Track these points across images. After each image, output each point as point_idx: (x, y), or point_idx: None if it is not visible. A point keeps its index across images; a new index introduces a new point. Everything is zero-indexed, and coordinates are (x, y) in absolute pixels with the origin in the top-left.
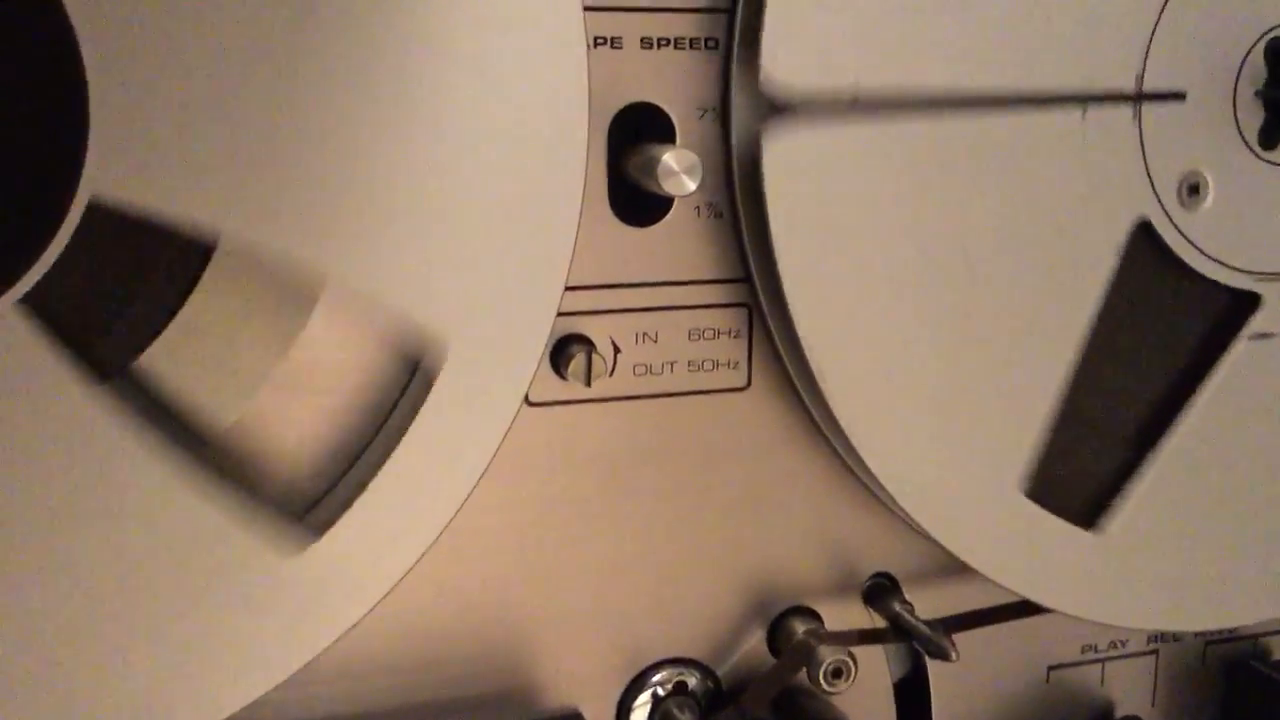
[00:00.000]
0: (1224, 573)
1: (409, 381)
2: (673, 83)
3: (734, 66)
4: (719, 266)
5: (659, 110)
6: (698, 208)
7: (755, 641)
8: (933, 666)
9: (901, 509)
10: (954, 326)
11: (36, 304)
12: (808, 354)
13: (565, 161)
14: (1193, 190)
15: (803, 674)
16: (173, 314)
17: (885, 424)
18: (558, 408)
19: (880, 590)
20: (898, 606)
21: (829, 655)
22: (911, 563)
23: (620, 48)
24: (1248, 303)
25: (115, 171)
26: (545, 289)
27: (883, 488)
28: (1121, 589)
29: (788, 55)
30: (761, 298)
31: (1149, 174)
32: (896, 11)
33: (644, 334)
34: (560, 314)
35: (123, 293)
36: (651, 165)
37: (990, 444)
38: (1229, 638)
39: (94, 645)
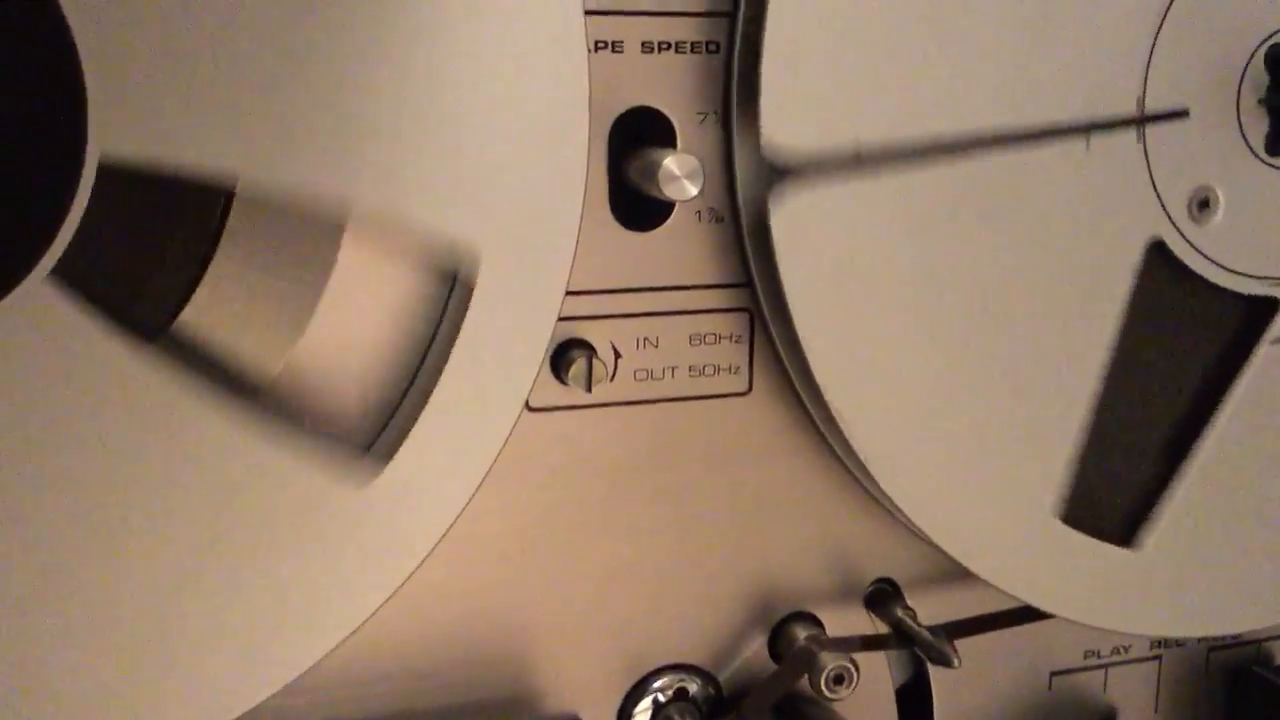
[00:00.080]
0: (1237, 578)
1: (449, 297)
2: (674, 87)
3: (734, 123)
4: (720, 271)
5: (660, 114)
6: (699, 212)
7: (757, 647)
8: (935, 672)
9: (922, 531)
10: (974, 361)
11: (68, 275)
12: (831, 407)
13: (566, 166)
14: (1203, 205)
15: (804, 680)
16: (204, 268)
17: (910, 464)
18: (558, 413)
19: (882, 596)
20: (900, 612)
21: (831, 661)
22: (914, 568)
23: (621, 52)
24: (1266, 308)
25: (119, 127)
26: (546, 293)
27: (899, 509)
28: (1162, 601)
29: (787, 119)
30: (763, 303)
31: (1158, 194)
32: (891, 65)
33: (645, 339)
34: (561, 319)
35: (151, 253)
36: (653, 170)
37: (1021, 473)
38: (1232, 643)
39: (183, 604)
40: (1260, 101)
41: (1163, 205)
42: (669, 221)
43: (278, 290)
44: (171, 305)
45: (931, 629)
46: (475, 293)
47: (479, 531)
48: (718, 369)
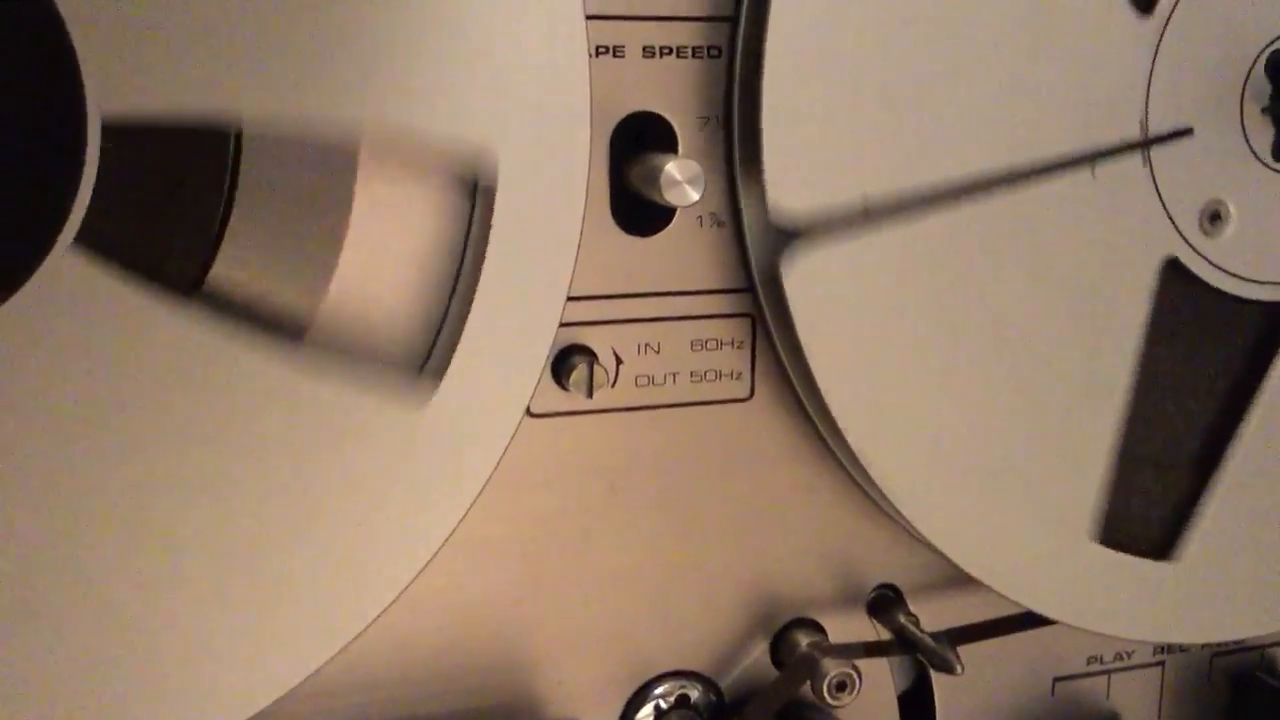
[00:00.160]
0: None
1: (472, 208)
2: (675, 91)
3: (739, 180)
4: (722, 276)
5: (661, 119)
6: (700, 217)
7: (759, 654)
8: (937, 679)
9: (959, 568)
10: (998, 394)
11: (92, 242)
12: (852, 445)
13: (567, 171)
14: (1214, 218)
15: (807, 687)
16: (227, 216)
17: (940, 502)
18: (559, 419)
19: (885, 602)
20: (902, 618)
21: (833, 668)
22: (916, 574)
23: (622, 56)
24: None
25: (115, 84)
26: (547, 299)
27: (914, 528)
28: (1200, 610)
29: (792, 182)
30: (766, 312)
31: (1168, 212)
32: (891, 115)
33: (646, 344)
34: (562, 324)
35: (171, 210)
36: (654, 175)
37: (1055, 501)
38: (1236, 649)
39: (262, 549)
40: (1264, 110)
41: (1174, 223)
42: (670, 226)
43: (303, 228)
44: (201, 259)
45: (934, 635)
46: (477, 298)
47: (480, 537)
48: (719, 374)
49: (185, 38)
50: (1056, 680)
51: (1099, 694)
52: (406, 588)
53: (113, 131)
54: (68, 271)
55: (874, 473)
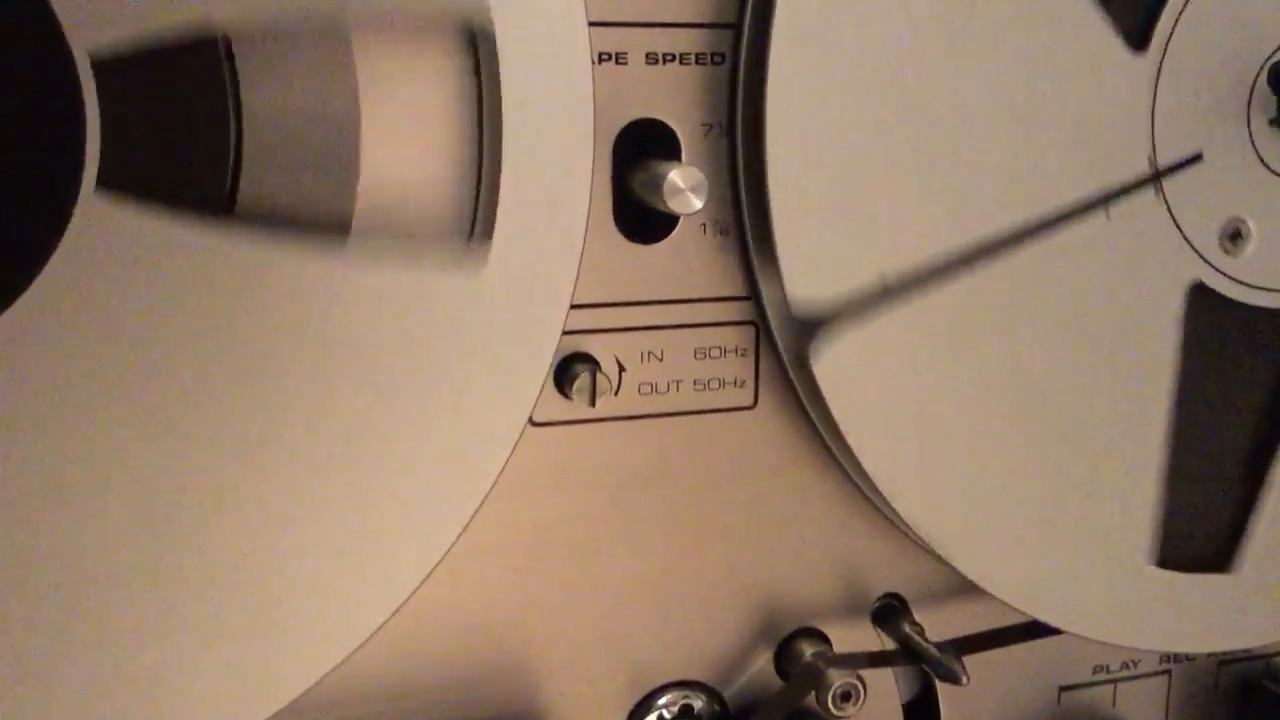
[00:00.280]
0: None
1: (476, 60)
2: (678, 98)
3: (755, 267)
4: (725, 284)
5: (664, 126)
6: (703, 224)
7: (762, 664)
8: (943, 688)
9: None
10: (1040, 443)
11: (115, 183)
12: (902, 513)
13: (570, 178)
14: (1235, 237)
15: (811, 697)
16: (239, 130)
17: (996, 554)
18: (562, 427)
19: (889, 611)
20: (907, 628)
21: (837, 678)
22: (921, 583)
23: (625, 63)
24: None
25: (92, 20)
26: (550, 307)
27: (926, 543)
28: (1261, 616)
29: (809, 275)
30: (769, 317)
31: (1188, 240)
32: (898, 190)
33: (649, 352)
34: (565, 333)
35: (183, 136)
36: (657, 183)
37: (1111, 532)
38: (1242, 657)
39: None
40: (1271, 122)
41: (1195, 249)
42: (674, 234)
43: (317, 122)
44: (227, 179)
45: (939, 645)
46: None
47: (482, 546)
48: (723, 383)
49: None
50: (1063, 689)
51: (1105, 703)
52: (409, 597)
53: (104, 69)
54: (99, 217)
55: (926, 535)
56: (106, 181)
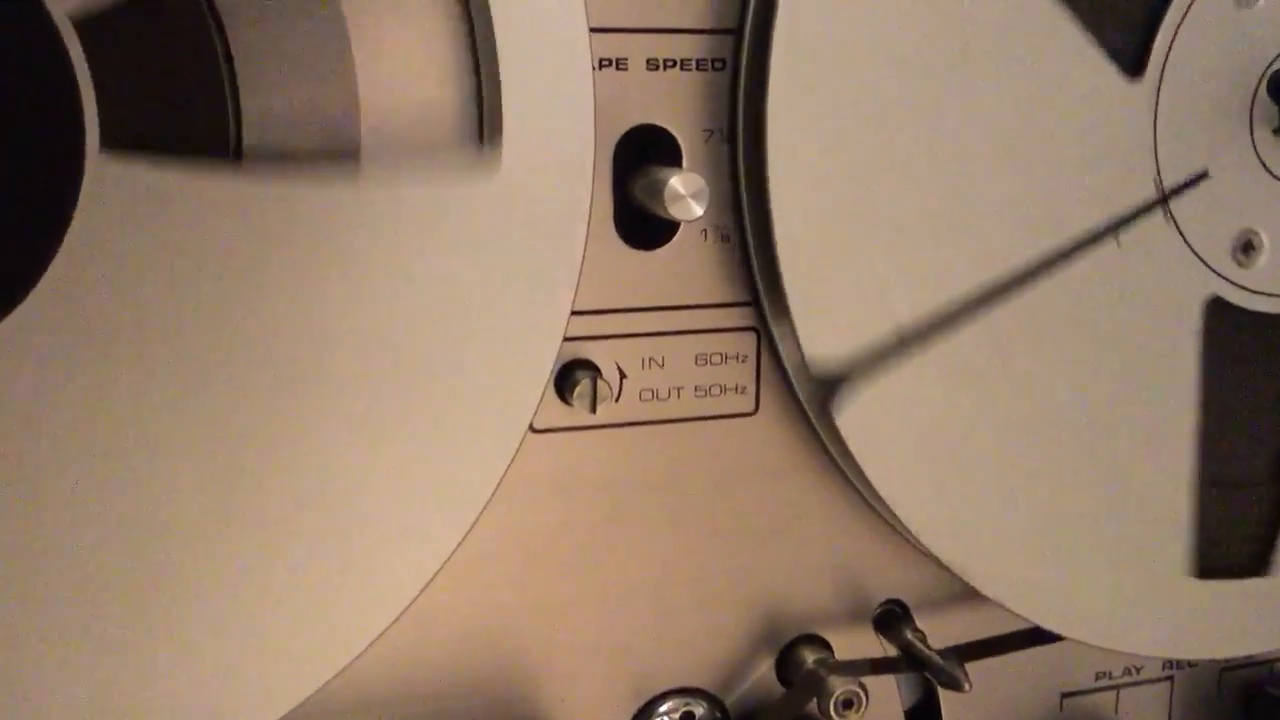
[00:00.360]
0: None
1: None
2: (679, 104)
3: (774, 334)
4: (726, 290)
5: (665, 132)
6: (704, 230)
7: (764, 670)
8: (945, 694)
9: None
10: (1070, 470)
11: (119, 142)
12: (937, 553)
13: (571, 184)
14: (1247, 248)
15: (813, 704)
16: (232, 70)
17: (1031, 582)
18: (563, 434)
19: (891, 618)
20: (909, 635)
21: (839, 685)
22: (923, 589)
23: (626, 69)
24: None
25: None
26: (550, 313)
27: (922, 545)
28: None
29: (825, 334)
30: (770, 322)
31: (1200, 258)
32: (905, 239)
33: (650, 359)
34: (565, 339)
35: (177, 79)
36: (658, 189)
37: (1147, 550)
38: (1245, 663)
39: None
40: (1275, 131)
41: (1208, 265)
42: (674, 240)
43: (307, 45)
44: (229, 122)
45: (941, 652)
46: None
47: (482, 554)
48: (724, 389)
49: None
50: (1065, 696)
51: (1108, 709)
52: (410, 604)
53: (87, 28)
54: (109, 178)
55: (962, 571)
56: (110, 141)
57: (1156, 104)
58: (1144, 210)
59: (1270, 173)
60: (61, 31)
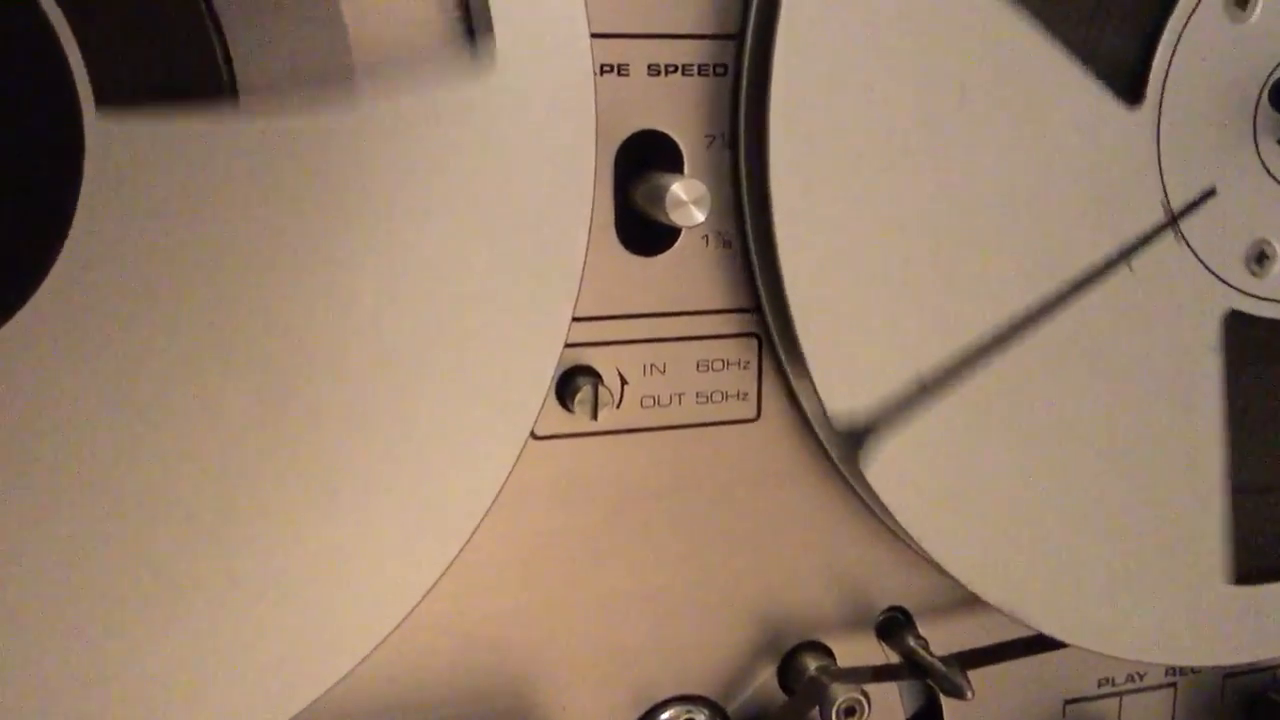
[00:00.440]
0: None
1: None
2: (680, 110)
3: (793, 385)
4: (728, 296)
5: (667, 138)
6: (706, 237)
7: (766, 678)
8: (947, 702)
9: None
10: (1101, 493)
11: (114, 99)
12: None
13: (572, 190)
14: (1260, 259)
15: (815, 712)
16: (214, 11)
17: (1069, 608)
18: (564, 441)
19: (894, 625)
20: (912, 642)
21: (842, 693)
22: (925, 596)
23: (627, 75)
24: None
25: None
26: (552, 320)
27: (919, 546)
28: None
29: (846, 388)
30: (772, 329)
31: (1214, 274)
32: (918, 289)
33: (651, 365)
34: (566, 345)
35: (163, 26)
36: (659, 195)
37: (1182, 565)
38: (1248, 670)
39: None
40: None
41: (1223, 280)
42: (676, 246)
43: None
44: (218, 63)
45: (944, 659)
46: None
47: (483, 560)
48: (725, 395)
49: None
50: (1068, 703)
51: (1110, 716)
52: (411, 612)
53: None
54: (111, 137)
55: (998, 603)
56: (105, 100)
57: (1158, 128)
58: (1154, 234)
59: (1278, 181)
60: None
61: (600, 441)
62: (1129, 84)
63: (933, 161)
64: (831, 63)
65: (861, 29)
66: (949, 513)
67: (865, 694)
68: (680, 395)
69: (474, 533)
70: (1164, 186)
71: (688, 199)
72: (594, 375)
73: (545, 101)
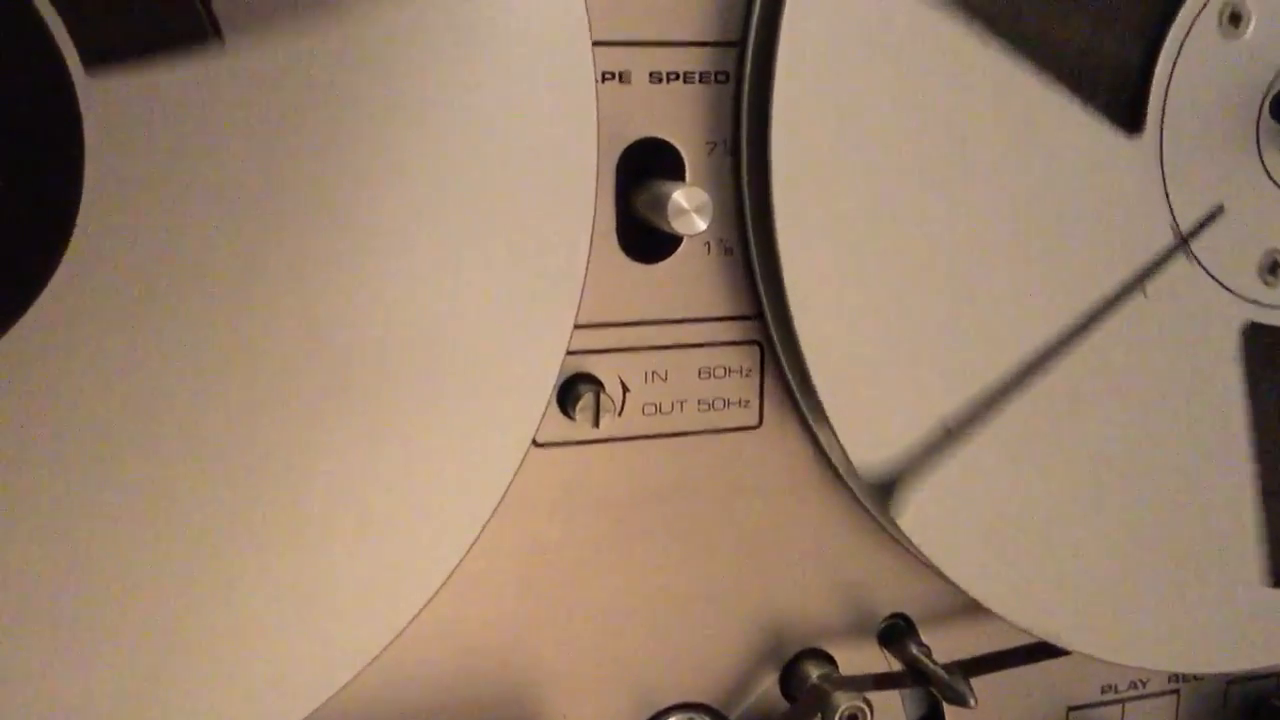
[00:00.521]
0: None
1: None
2: (682, 117)
3: (817, 435)
4: (730, 303)
5: (668, 145)
6: (707, 244)
7: (768, 685)
8: (950, 709)
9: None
10: (1133, 512)
11: (100, 58)
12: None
13: (574, 197)
14: (1273, 269)
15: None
16: None
17: (1108, 629)
18: (565, 448)
19: (896, 631)
20: (915, 649)
21: (844, 701)
22: (928, 603)
23: (629, 82)
24: None
25: None
26: (553, 327)
27: (922, 553)
28: None
29: (872, 441)
30: (774, 336)
31: (1229, 289)
32: (936, 337)
33: (653, 372)
34: (568, 353)
35: None
36: (661, 203)
37: (1218, 569)
38: (1251, 676)
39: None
40: None
41: (1238, 295)
42: (678, 253)
43: None
44: (198, 3)
45: (947, 667)
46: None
47: (485, 568)
48: (727, 403)
49: None
50: (1071, 709)
51: None
52: (413, 620)
53: None
54: (104, 97)
55: (1040, 633)
56: (92, 62)
57: (1161, 152)
58: (1166, 257)
59: None
60: None
61: (602, 449)
62: (1128, 113)
63: (935, 200)
64: (833, 69)
65: (862, 39)
66: (983, 549)
67: (868, 702)
68: (682, 402)
69: (476, 540)
70: (1171, 209)
71: (689, 207)
72: (596, 383)
73: (547, 109)
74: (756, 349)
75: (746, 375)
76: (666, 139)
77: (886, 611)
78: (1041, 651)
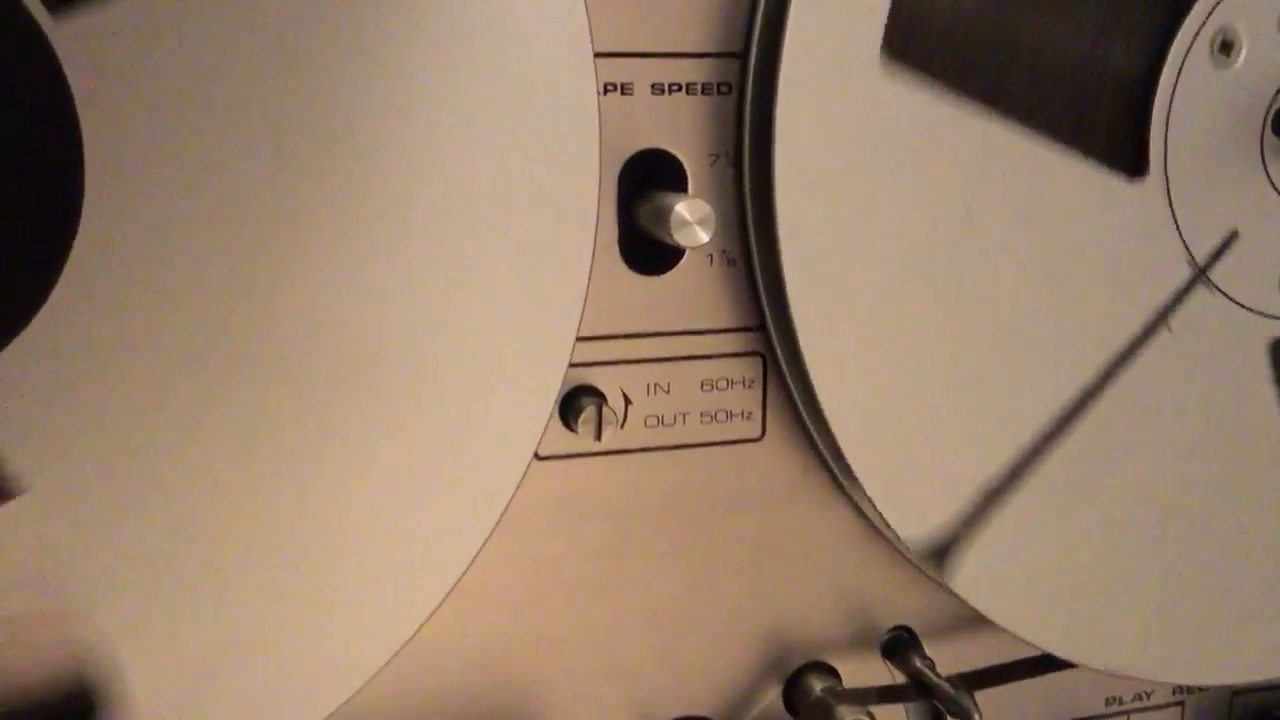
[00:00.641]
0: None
1: None
2: (684, 129)
3: (859, 505)
4: (732, 315)
5: (670, 157)
6: (710, 255)
7: (771, 699)
8: None
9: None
10: (1187, 546)
11: (67, 3)
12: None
13: (576, 209)
14: None
15: None
16: None
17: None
18: (568, 461)
19: (900, 644)
20: (918, 662)
21: (848, 714)
22: (931, 615)
23: (631, 94)
24: None
25: None
26: (555, 339)
27: (923, 561)
28: None
29: (911, 511)
30: (777, 348)
31: (1252, 310)
32: (962, 406)
33: (655, 385)
34: (570, 365)
35: None
36: (664, 215)
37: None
38: (1256, 688)
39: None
40: None
41: (1262, 314)
42: (680, 265)
43: None
44: None
45: (951, 680)
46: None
47: (486, 581)
48: (730, 415)
49: None
50: None
51: None
52: (415, 633)
53: None
54: (83, 39)
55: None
56: (57, 5)
57: (1168, 190)
58: (1186, 291)
59: None
60: None
61: (604, 462)
62: (1130, 157)
63: (949, 291)
64: (837, 79)
65: (867, 50)
66: (1037, 592)
67: (871, 715)
68: (684, 415)
69: (478, 554)
70: (1185, 243)
71: (692, 219)
72: (598, 395)
73: (549, 120)
74: (759, 361)
75: (749, 387)
76: (669, 150)
77: (890, 624)
78: (1046, 664)
